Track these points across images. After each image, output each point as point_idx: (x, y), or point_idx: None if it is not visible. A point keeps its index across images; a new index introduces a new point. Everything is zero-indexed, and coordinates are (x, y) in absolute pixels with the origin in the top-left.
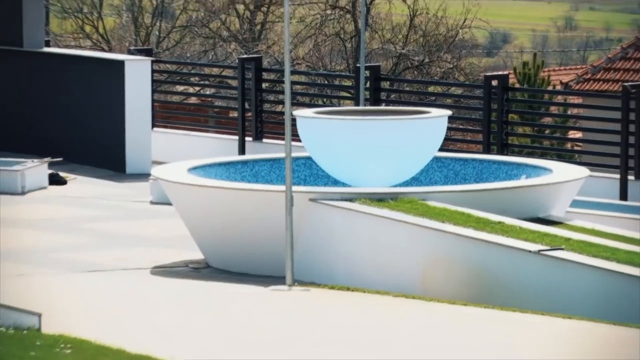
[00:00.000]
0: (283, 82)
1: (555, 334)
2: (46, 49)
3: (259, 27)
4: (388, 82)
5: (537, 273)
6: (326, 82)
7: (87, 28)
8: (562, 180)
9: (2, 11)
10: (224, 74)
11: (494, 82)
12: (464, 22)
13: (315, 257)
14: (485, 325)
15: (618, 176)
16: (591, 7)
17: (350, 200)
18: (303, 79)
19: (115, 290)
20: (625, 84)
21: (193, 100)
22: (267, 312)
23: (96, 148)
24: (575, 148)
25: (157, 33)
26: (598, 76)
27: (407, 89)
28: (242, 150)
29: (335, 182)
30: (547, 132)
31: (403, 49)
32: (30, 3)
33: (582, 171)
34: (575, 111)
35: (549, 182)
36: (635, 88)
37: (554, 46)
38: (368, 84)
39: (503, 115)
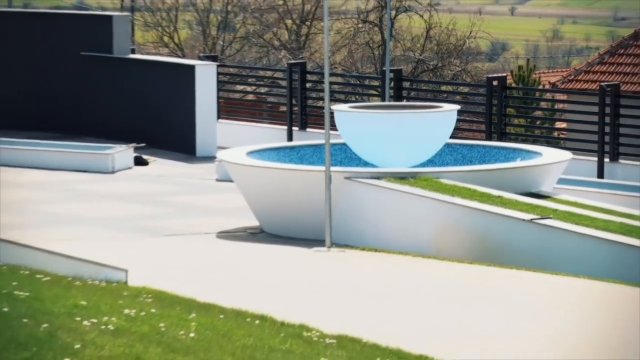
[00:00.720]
0: (323, 82)
1: (545, 286)
2: (132, 56)
3: (303, 37)
4: (408, 83)
5: (530, 238)
6: (358, 82)
7: (165, 39)
8: (550, 162)
9: (97, 26)
10: (275, 76)
11: (495, 82)
12: (470, 33)
13: (349, 225)
14: (487, 278)
15: (596, 159)
16: (574, 21)
17: (378, 178)
18: (339, 80)
19: (187, 251)
20: (602, 84)
21: (250, 97)
22: (310, 267)
23: (172, 135)
24: (561, 136)
25: (221, 43)
26: (579, 77)
27: (424, 88)
28: (290, 138)
29: (365, 164)
30: (538, 122)
31: (420, 55)
32: (119, 19)
33: (566, 155)
34: (560, 106)
35: (539, 164)
36: (609, 87)
37: (544, 53)
38: (392, 84)
39: (502, 109)
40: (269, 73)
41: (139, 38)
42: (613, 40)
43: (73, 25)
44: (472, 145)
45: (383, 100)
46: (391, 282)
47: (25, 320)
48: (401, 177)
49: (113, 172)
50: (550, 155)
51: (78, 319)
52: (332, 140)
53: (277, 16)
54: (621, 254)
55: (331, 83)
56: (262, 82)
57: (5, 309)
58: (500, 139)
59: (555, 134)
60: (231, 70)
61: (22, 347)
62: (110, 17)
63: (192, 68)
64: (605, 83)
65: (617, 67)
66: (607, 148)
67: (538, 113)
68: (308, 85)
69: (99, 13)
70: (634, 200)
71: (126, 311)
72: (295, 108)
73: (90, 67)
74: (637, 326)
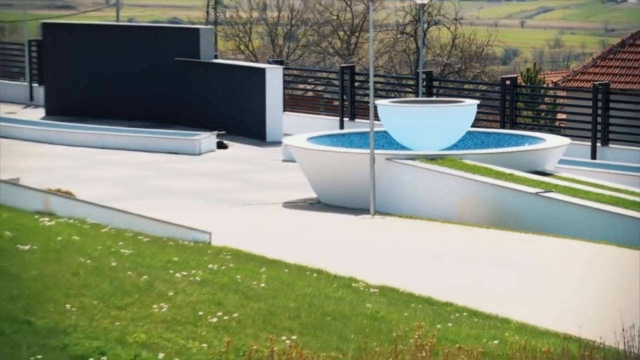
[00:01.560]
0: (368, 81)
1: (548, 246)
2: (214, 61)
3: (353, 45)
4: (437, 82)
5: (536, 208)
6: (396, 82)
7: (241, 47)
8: (552, 146)
9: (187, 36)
10: (330, 77)
11: (507, 82)
12: (488, 42)
13: (389, 197)
14: (500, 240)
15: (589, 143)
16: (572, 32)
17: (412, 159)
18: (381, 79)
19: (259, 218)
20: (595, 83)
21: (309, 94)
22: (357, 231)
23: (247, 124)
24: (561, 125)
25: (286, 50)
26: (577, 78)
27: (450, 86)
28: (341, 127)
29: (402, 147)
30: (542, 114)
31: (447, 60)
32: (205, 31)
33: (565, 140)
34: (561, 101)
35: (543, 148)
36: (601, 86)
37: (547, 58)
38: (424, 83)
39: (513, 103)
40: (324, 74)
41: (220, 46)
42: (604, 48)
43: (168, 36)
44: (488, 133)
45: (417, 96)
46: (422, 243)
47: (129, 272)
48: (431, 158)
49: (200, 154)
50: (552, 141)
51: (171, 271)
52: (375, 129)
53: (332, 28)
54: (611, 221)
55: (375, 82)
56: (319, 82)
57: (114, 264)
58: (511, 128)
59: (557, 123)
60: (294, 72)
61: (127, 294)
62: (197, 29)
63: (263, 71)
64: (598, 82)
65: (607, 69)
66: (599, 135)
67: (543, 106)
68: (356, 84)
69: (189, 26)
70: (621, 178)
71: (210, 266)
72: (346, 103)
73: (181, 69)
74: (624, 278)
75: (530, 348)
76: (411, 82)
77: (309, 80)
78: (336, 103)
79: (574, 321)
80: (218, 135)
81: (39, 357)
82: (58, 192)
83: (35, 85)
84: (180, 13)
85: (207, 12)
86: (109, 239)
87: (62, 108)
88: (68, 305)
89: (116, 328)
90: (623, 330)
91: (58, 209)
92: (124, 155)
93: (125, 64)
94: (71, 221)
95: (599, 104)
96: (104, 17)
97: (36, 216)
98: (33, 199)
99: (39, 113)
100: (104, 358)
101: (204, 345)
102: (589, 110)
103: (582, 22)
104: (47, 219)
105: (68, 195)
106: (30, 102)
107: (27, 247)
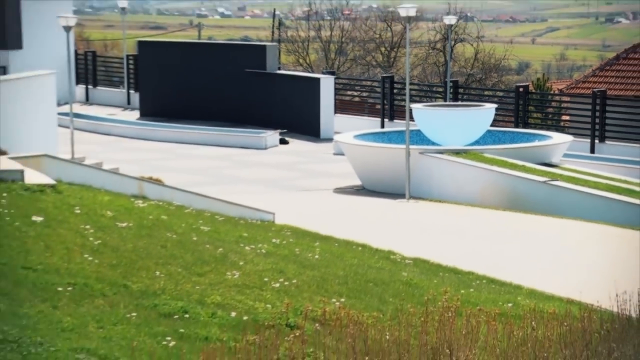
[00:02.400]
0: (405, 89)
1: (554, 225)
2: (278, 72)
3: (392, 59)
4: (462, 89)
5: (544, 193)
6: (428, 89)
7: (300, 60)
8: (557, 142)
9: (256, 52)
10: (373, 85)
11: (521, 89)
12: (504, 56)
13: (421, 184)
14: (513, 220)
15: (589, 140)
16: (575, 48)
17: (441, 153)
18: (415, 87)
19: (314, 201)
20: (594, 90)
21: (356, 99)
22: (394, 212)
23: (304, 124)
24: (565, 125)
25: (337, 62)
26: (579, 86)
27: (473, 93)
28: (382, 126)
29: (433, 143)
30: (549, 116)
31: (470, 71)
32: (270, 47)
33: (568, 137)
34: (565, 105)
35: (550, 144)
36: (599, 92)
37: (554, 69)
38: (451, 90)
39: (525, 107)
40: (368, 83)
41: (283, 60)
42: (602, 61)
43: (240, 51)
44: (504, 132)
45: (445, 101)
46: (449, 223)
47: (207, 245)
48: (457, 152)
49: (265, 148)
50: (557, 138)
51: (242, 245)
52: (410, 128)
53: (375, 45)
54: (607, 205)
55: (410, 89)
56: (364, 89)
57: (195, 238)
58: (524, 127)
59: (562, 123)
60: (343, 81)
61: (205, 263)
62: (264, 46)
63: (317, 80)
64: (596, 89)
65: (604, 79)
66: (597, 133)
67: (550, 110)
68: (395, 91)
69: (257, 43)
70: (616, 169)
71: (273, 240)
72: (386, 106)
73: (250, 79)
74: (618, 252)
75: (538, 310)
76: (440, 90)
77: (356, 87)
78: (378, 107)
79: (575, 288)
80: (280, 133)
81: (133, 314)
82: (150, 179)
83: (132, 92)
84: (251, 32)
85: (273, 32)
86: (190, 218)
87: (153, 110)
88: (157, 272)
89: (196, 291)
90: (617, 295)
91: (149, 193)
92: (203, 149)
93: (205, 75)
94: (160, 203)
95: (597, 108)
96: (188, 35)
97: (132, 199)
98: (129, 185)
99: (134, 115)
100: (187, 315)
101: (268, 305)
102: (589, 113)
103: (584, 39)
104: (140, 201)
105: (158, 181)
106: (127, 105)
107: (124, 225)
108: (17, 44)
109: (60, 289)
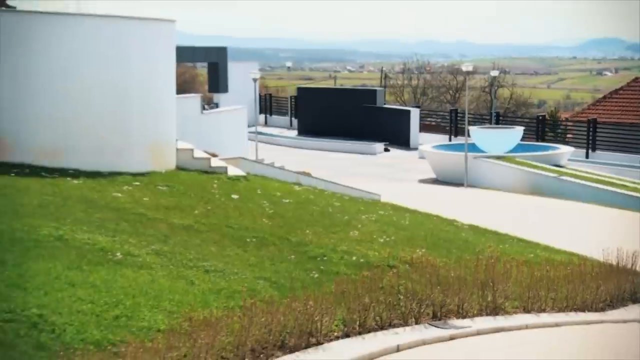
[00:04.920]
0: (464, 116)
1: (564, 207)
2: (384, 105)
3: (456, 98)
4: (502, 117)
5: (556, 184)
6: (479, 117)
7: (398, 98)
8: (564, 151)
9: (370, 94)
10: (443, 114)
11: (540, 117)
12: (529, 96)
13: (475, 177)
14: (536, 201)
15: (584, 150)
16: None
17: (487, 157)
18: (471, 116)
19: (405, 187)
20: (588, 118)
21: (433, 123)
22: (457, 194)
23: (400, 138)
24: (568, 140)
25: (421, 100)
26: (578, 115)
27: (509, 120)
28: (449, 140)
29: (482, 151)
30: (558, 135)
31: (507, 105)
32: (379, 91)
33: (571, 148)
34: (569, 127)
35: (559, 152)
36: (591, 120)
37: (562, 105)
38: (495, 118)
39: (543, 129)
40: (441, 113)
41: (387, 98)
42: (593, 100)
43: (360, 93)
44: (529, 144)
45: (490, 124)
46: (491, 201)
47: (338, 214)
48: (498, 157)
49: (375, 154)
50: (563, 149)
51: (360, 214)
52: (468, 142)
53: (445, 89)
54: (598, 192)
55: (468, 117)
56: (438, 117)
57: (330, 210)
58: (541, 142)
59: (566, 139)
60: (425, 111)
61: (336, 225)
62: (375, 90)
63: (408, 111)
64: (589, 118)
65: (595, 111)
66: (590, 145)
67: (559, 130)
68: (458, 118)
69: (371, 88)
70: (603, 168)
71: (379, 212)
72: (452, 128)
73: (367, 110)
74: (616, 225)
75: (550, 259)
76: (487, 117)
77: (433, 115)
78: (447, 128)
79: (575, 245)
80: (385, 144)
81: (292, 256)
82: (302, 173)
83: (293, 118)
84: (367, 81)
85: (381, 81)
86: (327, 197)
87: (305, 130)
88: (307, 231)
89: (331, 243)
90: (602, 250)
91: (303, 181)
92: (335, 155)
93: (338, 107)
94: (309, 188)
95: (590, 129)
96: (328, 83)
97: (292, 185)
98: (290, 176)
99: (294, 132)
100: (325, 258)
101: (376, 253)
102: (584, 133)
103: (582, 85)
104: (297, 186)
105: (307, 174)
106: (290, 127)
107: (287, 201)
108: (224, 89)
109: (248, 240)
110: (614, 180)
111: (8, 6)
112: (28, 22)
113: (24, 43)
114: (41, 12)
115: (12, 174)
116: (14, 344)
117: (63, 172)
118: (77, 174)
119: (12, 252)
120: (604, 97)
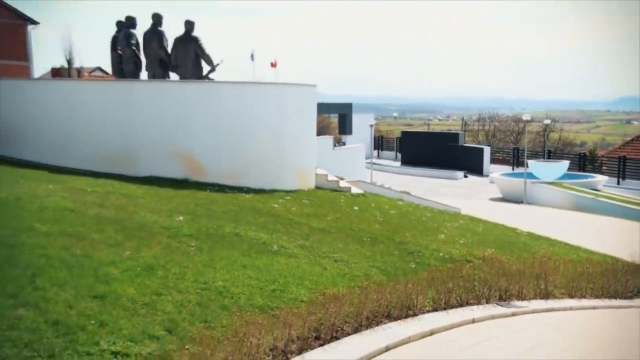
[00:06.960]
0: (524, 152)
1: (596, 219)
2: (464, 144)
3: (518, 139)
4: (553, 153)
5: (593, 204)
6: (535, 153)
7: (474, 139)
8: (600, 179)
9: (453, 136)
10: (509, 151)
11: (581, 154)
12: (573, 139)
13: (531, 196)
14: (577, 216)
15: (616, 178)
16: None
17: (541, 182)
18: (529, 152)
19: (479, 204)
20: (619, 155)
21: (500, 157)
22: (518, 209)
23: (475, 168)
24: (603, 171)
25: (491, 144)
26: (611, 153)
27: (557, 156)
28: (512, 169)
29: (537, 178)
30: (596, 167)
31: (557, 145)
32: (461, 134)
33: (605, 177)
34: (604, 162)
35: (596, 180)
36: (622, 157)
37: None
38: (548, 154)
39: (584, 163)
40: (506, 150)
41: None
42: (623, 142)
43: (446, 136)
44: (572, 174)
45: (544, 158)
46: (544, 215)
47: (429, 223)
48: (549, 182)
49: (457, 179)
50: (599, 177)
51: (445, 223)
52: (527, 171)
53: (510, 132)
54: (630, 211)
55: (527, 153)
56: (504, 153)
57: (423, 219)
58: (582, 172)
59: (602, 170)
60: (495, 149)
61: (428, 230)
62: (457, 133)
63: (482, 149)
64: (620, 155)
65: (624, 150)
66: (620, 175)
67: (596, 164)
68: (519, 154)
69: (454, 132)
70: (631, 192)
71: (460, 221)
72: (515, 160)
73: (451, 148)
74: (633, 233)
75: (589, 259)
76: (541, 153)
77: (500, 152)
78: (511, 161)
79: (609, 249)
80: (464, 172)
81: (395, 252)
82: (404, 192)
83: (398, 153)
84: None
85: (462, 127)
86: (422, 210)
87: (407, 161)
88: (407, 233)
89: (424, 243)
90: (632, 253)
91: (404, 198)
92: (427, 179)
93: (430, 146)
94: (409, 203)
95: (621, 163)
96: (424, 128)
97: (396, 201)
98: (395, 194)
99: (398, 163)
100: (420, 253)
101: (457, 251)
102: (616, 165)
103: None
104: (400, 202)
105: (408, 193)
106: (395, 159)
107: (393, 212)
108: (350, 132)
109: (364, 239)
110: (639, 201)
111: (209, 78)
112: (218, 88)
113: (212, 103)
114: (230, 82)
115: (207, 190)
116: (207, 305)
117: (239, 189)
118: (248, 190)
119: (206, 243)
120: (632, 140)
